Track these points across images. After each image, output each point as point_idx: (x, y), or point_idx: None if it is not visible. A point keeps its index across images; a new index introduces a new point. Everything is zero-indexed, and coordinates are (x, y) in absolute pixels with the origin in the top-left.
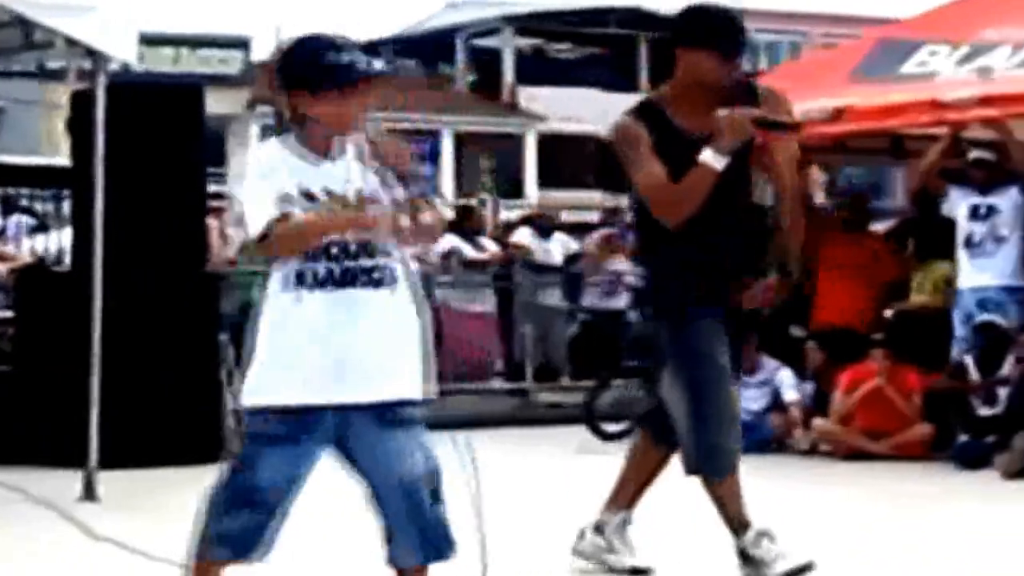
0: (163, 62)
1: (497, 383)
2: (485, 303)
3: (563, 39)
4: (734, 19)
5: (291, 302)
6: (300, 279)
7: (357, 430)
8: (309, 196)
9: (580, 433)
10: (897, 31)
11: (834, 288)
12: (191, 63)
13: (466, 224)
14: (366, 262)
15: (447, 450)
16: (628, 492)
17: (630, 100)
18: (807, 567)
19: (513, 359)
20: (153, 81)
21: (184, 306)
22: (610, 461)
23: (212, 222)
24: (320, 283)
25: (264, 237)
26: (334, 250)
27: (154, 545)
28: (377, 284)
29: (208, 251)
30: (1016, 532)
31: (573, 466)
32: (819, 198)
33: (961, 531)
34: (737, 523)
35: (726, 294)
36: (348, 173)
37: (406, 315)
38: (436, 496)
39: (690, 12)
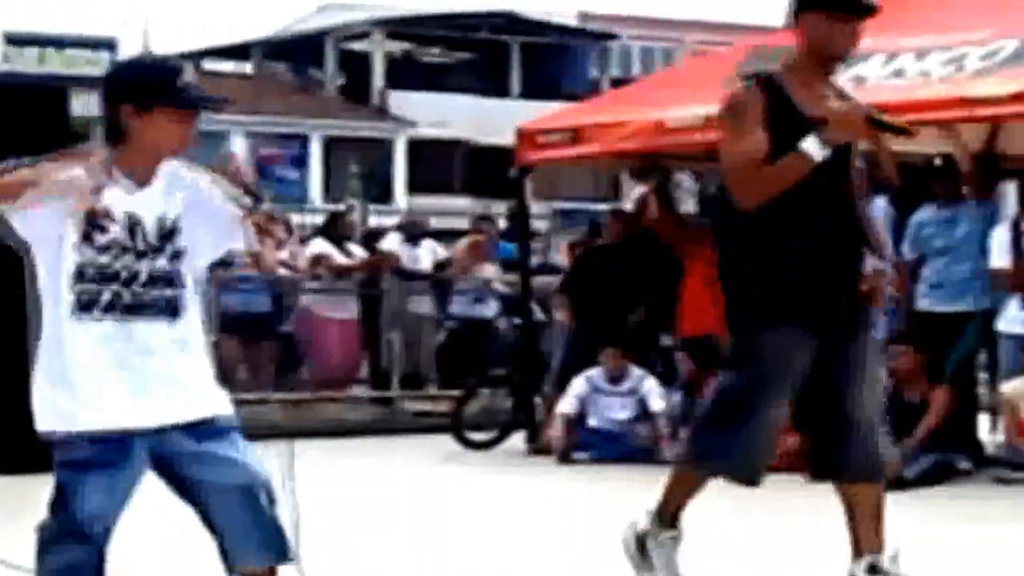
0: (27, 62)
1: (362, 391)
2: (349, 310)
3: (434, 44)
4: None
5: (77, 327)
6: (85, 305)
7: (176, 448)
8: (129, 217)
9: (446, 442)
10: (776, 39)
11: (703, 296)
12: (56, 64)
13: (334, 230)
14: (163, 292)
15: (270, 458)
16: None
17: (501, 106)
18: None
19: (379, 367)
20: (17, 81)
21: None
22: (474, 471)
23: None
24: (108, 308)
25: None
26: (124, 275)
27: (11, 554)
28: (171, 314)
29: None
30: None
31: (437, 476)
32: (689, 206)
33: (828, 543)
34: (666, 516)
35: (814, 309)
36: (159, 201)
37: (196, 345)
38: (271, 499)
39: None
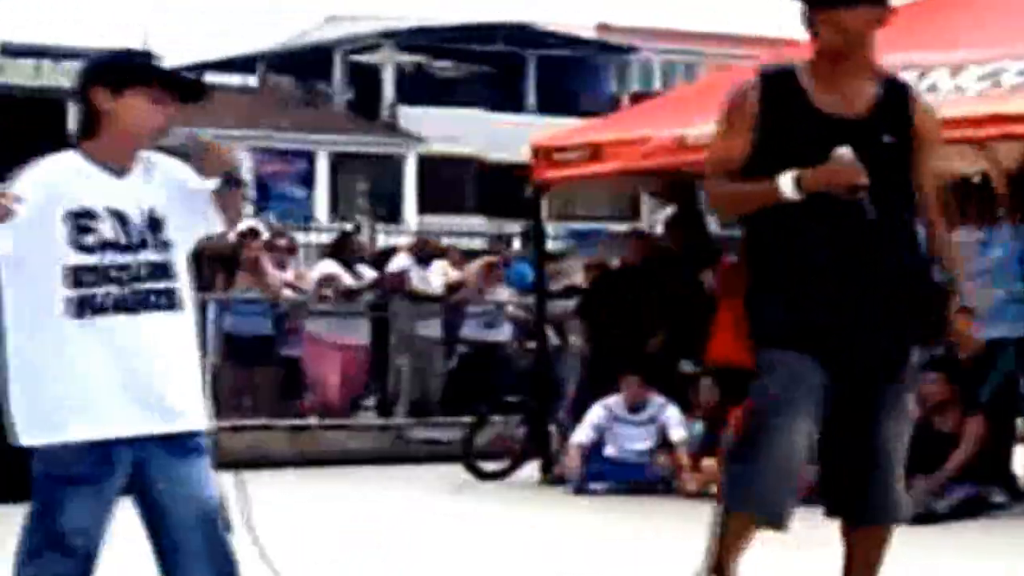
0: (23, 74)
1: (368, 418)
2: (358, 334)
3: (447, 56)
4: None
5: (73, 328)
6: (83, 304)
7: (154, 461)
8: (114, 215)
9: (456, 472)
10: (802, 53)
11: (734, 322)
12: (53, 75)
13: (342, 250)
14: (159, 284)
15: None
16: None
17: (515, 121)
18: None
19: (387, 393)
20: (13, 93)
21: None
22: (486, 502)
23: None
24: (107, 308)
25: None
26: (122, 274)
27: None
28: (169, 307)
29: None
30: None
31: (446, 506)
32: (713, 227)
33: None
34: (718, 567)
35: (824, 340)
36: (140, 191)
37: (191, 341)
38: (227, 525)
39: None
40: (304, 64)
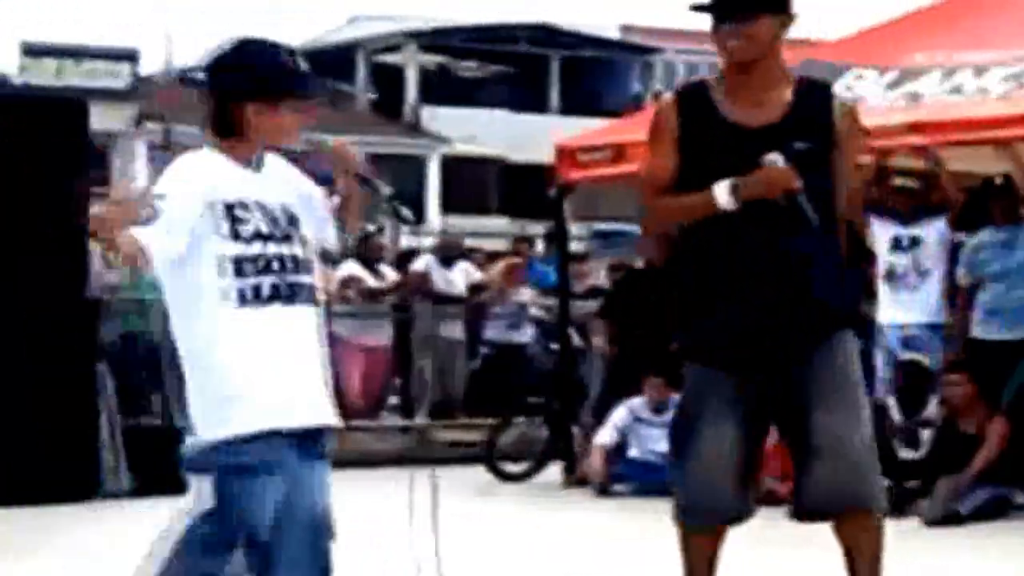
0: (45, 74)
1: (391, 420)
2: (380, 335)
3: (469, 56)
4: None
5: (240, 320)
6: (244, 295)
7: (287, 459)
8: (261, 207)
9: (479, 474)
10: (822, 53)
11: None
12: (75, 76)
13: (365, 251)
14: (303, 278)
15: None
16: None
17: (539, 122)
18: None
19: (410, 394)
20: (34, 94)
21: (62, 333)
22: (509, 504)
23: (94, 245)
24: (268, 299)
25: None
26: (276, 264)
27: None
28: (310, 301)
29: (88, 276)
30: None
31: (469, 508)
32: None
33: None
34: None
35: (749, 357)
36: (277, 188)
37: (322, 336)
38: (332, 534)
39: None
40: (327, 64)
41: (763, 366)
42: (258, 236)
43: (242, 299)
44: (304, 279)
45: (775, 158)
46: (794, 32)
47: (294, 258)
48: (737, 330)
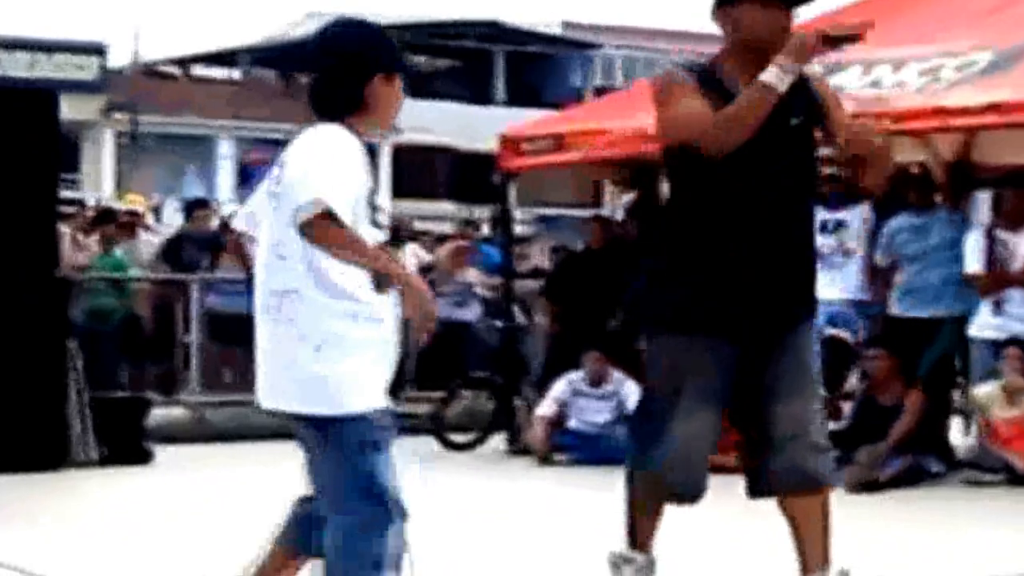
0: (19, 67)
1: None
2: None
3: (420, 52)
4: None
5: (383, 303)
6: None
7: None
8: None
9: (428, 443)
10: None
11: None
12: (47, 68)
13: None
14: None
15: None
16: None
17: (485, 114)
18: None
19: None
20: (6, 85)
21: (33, 311)
22: (456, 472)
23: (64, 228)
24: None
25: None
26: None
27: (2, 552)
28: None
29: (59, 256)
30: (854, 541)
31: (418, 476)
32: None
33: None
34: (635, 539)
35: (741, 324)
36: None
37: None
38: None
39: None
40: (285, 58)
41: (753, 335)
42: (384, 223)
43: (379, 284)
44: None
45: (770, 71)
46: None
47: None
48: (739, 294)
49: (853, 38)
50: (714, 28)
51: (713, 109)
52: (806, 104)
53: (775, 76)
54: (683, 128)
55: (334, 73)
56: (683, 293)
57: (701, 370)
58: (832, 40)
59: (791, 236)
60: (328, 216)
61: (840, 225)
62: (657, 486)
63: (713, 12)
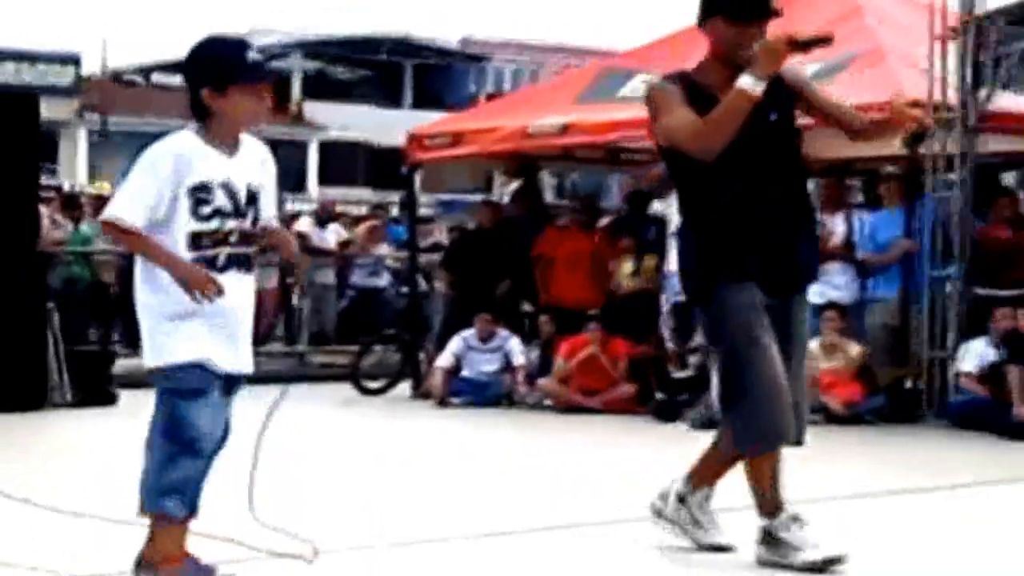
0: (6, 73)
1: (277, 346)
2: (270, 281)
3: (343, 63)
4: None
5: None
6: (202, 264)
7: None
8: (224, 187)
9: (346, 389)
10: (618, 62)
11: (567, 272)
12: (30, 75)
13: None
14: (248, 249)
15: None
16: (711, 470)
17: (396, 115)
18: (837, 559)
19: (292, 327)
20: None
21: (17, 279)
22: (369, 413)
23: (43, 209)
24: (222, 267)
25: (123, 231)
26: (230, 238)
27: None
28: (249, 269)
29: (39, 233)
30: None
31: (339, 417)
32: (549, 197)
33: (662, 470)
34: (770, 504)
35: (770, 269)
36: (244, 169)
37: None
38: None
39: None
40: None
41: (780, 291)
42: (216, 213)
43: (212, 264)
44: (247, 251)
45: (744, 78)
46: (604, 45)
47: (242, 232)
48: (768, 253)
49: (823, 41)
50: (588, 42)
51: (699, 114)
52: (783, 99)
53: (750, 83)
54: (674, 137)
55: (189, 84)
56: (732, 249)
57: (762, 316)
58: (801, 44)
59: (792, 215)
60: (114, 225)
61: None
62: (772, 438)
63: (698, 26)
